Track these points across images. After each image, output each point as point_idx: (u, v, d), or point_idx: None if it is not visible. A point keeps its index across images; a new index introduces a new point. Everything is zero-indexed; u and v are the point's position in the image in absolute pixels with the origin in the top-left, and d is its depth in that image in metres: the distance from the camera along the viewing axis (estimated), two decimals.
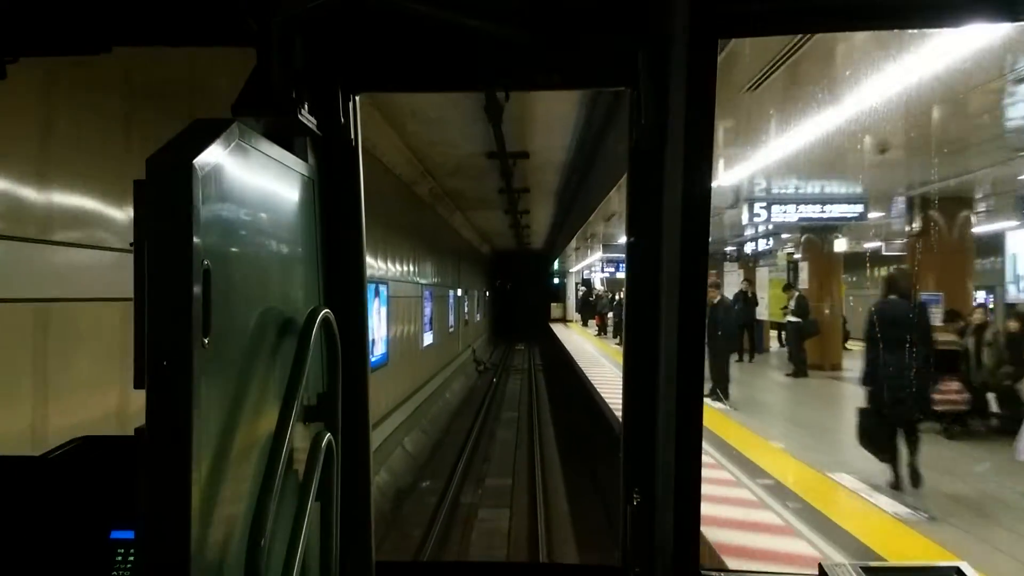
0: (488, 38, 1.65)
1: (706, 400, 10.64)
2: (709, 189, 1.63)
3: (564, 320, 40.88)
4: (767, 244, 16.69)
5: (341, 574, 1.67)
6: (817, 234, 14.72)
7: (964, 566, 1.57)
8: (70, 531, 1.49)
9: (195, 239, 1.00)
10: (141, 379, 1.03)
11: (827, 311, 14.21)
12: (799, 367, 13.26)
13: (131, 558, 1.49)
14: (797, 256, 15.64)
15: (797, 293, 13.78)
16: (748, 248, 18.55)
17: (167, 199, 1.02)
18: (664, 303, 1.73)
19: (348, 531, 1.69)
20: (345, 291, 1.77)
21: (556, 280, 43.74)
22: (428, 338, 15.18)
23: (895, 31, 3.98)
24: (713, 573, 1.85)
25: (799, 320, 13.37)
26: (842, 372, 14.14)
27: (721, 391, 10.50)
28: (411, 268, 13.26)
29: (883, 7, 1.63)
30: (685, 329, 1.66)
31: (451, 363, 19.64)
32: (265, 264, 1.36)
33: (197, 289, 1.01)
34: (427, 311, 15.24)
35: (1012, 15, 1.62)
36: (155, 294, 1.01)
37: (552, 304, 43.46)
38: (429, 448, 12.60)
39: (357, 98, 1.75)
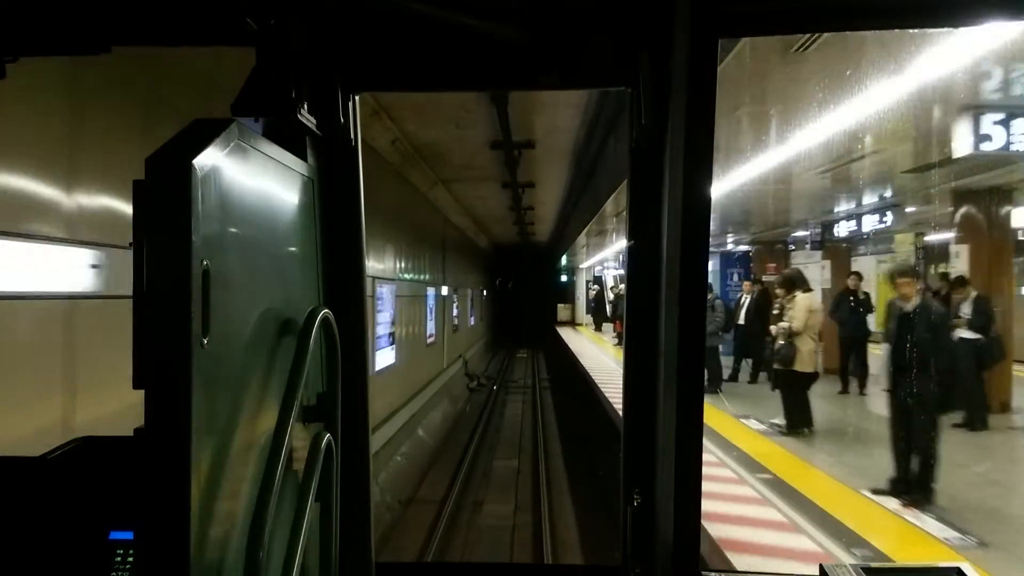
0: (488, 38, 1.82)
1: (900, 510, 5.94)
2: (709, 189, 1.77)
3: (573, 323, 39.69)
4: (881, 221, 13.19)
5: (341, 574, 1.81)
6: (981, 203, 10.70)
7: (965, 566, 1.65)
8: (69, 531, 1.65)
9: (194, 239, 1.10)
10: (141, 379, 1.12)
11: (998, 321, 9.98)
12: (974, 413, 9.28)
13: (130, 558, 1.62)
14: (943, 238, 12.22)
15: (975, 293, 9.90)
16: (838, 228, 14.68)
17: (166, 199, 1.10)
18: (664, 303, 1.87)
19: (348, 531, 1.85)
20: (345, 291, 1.93)
21: (564, 278, 44.90)
22: (387, 357, 11.71)
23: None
24: (713, 573, 1.99)
25: (979, 337, 9.30)
26: (1012, 415, 10.17)
27: (925, 487, 6.07)
28: None
29: (884, 7, 1.74)
30: (685, 329, 1.81)
31: (430, 384, 16.46)
32: (264, 264, 1.54)
33: (196, 289, 1.11)
34: (385, 318, 11.55)
35: (1015, 14, 1.72)
36: (155, 294, 1.10)
37: (559, 305, 42.21)
38: None
39: (357, 98, 1.96)
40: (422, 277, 16.24)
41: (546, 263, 40.29)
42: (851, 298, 11.82)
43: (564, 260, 38.91)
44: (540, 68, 1.89)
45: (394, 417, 12.05)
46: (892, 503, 6.12)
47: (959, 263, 10.81)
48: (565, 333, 30.43)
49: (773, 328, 9.46)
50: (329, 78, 1.84)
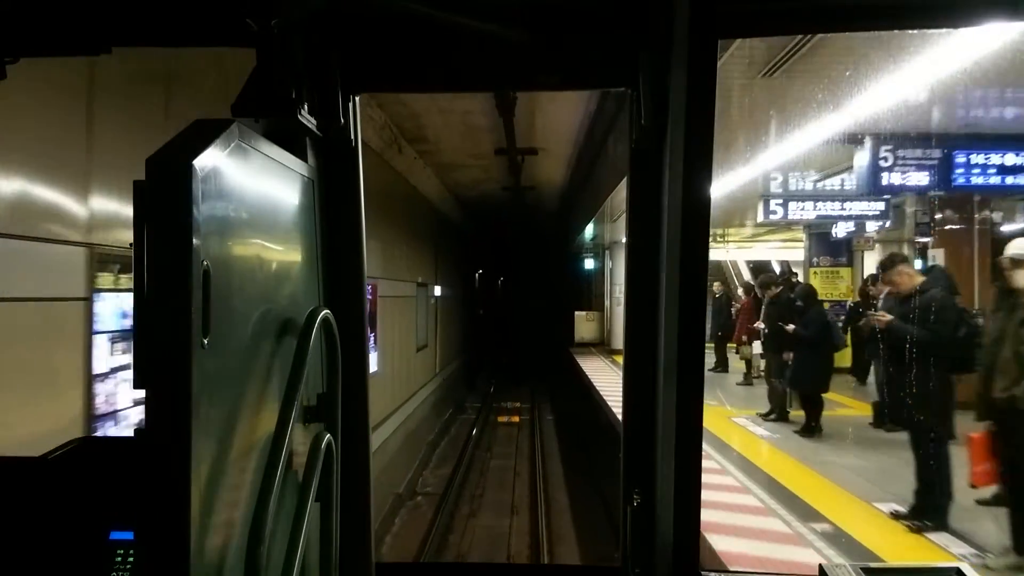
0: (488, 38, 1.82)
1: None
2: (709, 189, 1.77)
3: (605, 346, 21.93)
4: None
5: (341, 574, 1.80)
6: None
7: (964, 566, 1.66)
8: (70, 532, 1.65)
9: (194, 240, 1.12)
10: (141, 379, 1.14)
11: None
12: None
13: (131, 559, 1.62)
14: None
15: None
16: None
17: (167, 200, 1.11)
18: (664, 303, 1.87)
19: (348, 532, 1.85)
20: (345, 291, 1.93)
21: (589, 263, 22.40)
22: None
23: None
24: (713, 574, 1.97)
25: None
26: None
27: None
28: None
29: (883, 7, 1.74)
30: (685, 329, 1.80)
31: None
32: (265, 264, 1.54)
33: (197, 289, 1.13)
34: None
35: (1014, 15, 1.71)
36: (155, 294, 1.12)
37: (578, 314, 24.39)
38: None
39: (357, 98, 1.96)
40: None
41: (554, 237, 25.58)
42: None
43: (590, 232, 21.32)
44: (540, 68, 1.89)
45: None
46: None
47: None
48: (593, 369, 15.57)
49: None
50: (329, 79, 1.83)
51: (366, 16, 1.81)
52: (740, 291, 14.69)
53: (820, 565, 1.67)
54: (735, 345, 13.97)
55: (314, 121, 1.78)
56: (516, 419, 17.05)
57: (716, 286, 16.36)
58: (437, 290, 18.99)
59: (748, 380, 13.66)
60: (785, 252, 23.02)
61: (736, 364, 14.84)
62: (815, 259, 15.84)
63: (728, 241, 20.93)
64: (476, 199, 20.52)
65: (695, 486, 1.80)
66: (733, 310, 14.95)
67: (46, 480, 1.69)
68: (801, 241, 22.78)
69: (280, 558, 1.38)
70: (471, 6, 1.70)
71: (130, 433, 3.02)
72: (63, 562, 1.57)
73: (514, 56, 1.84)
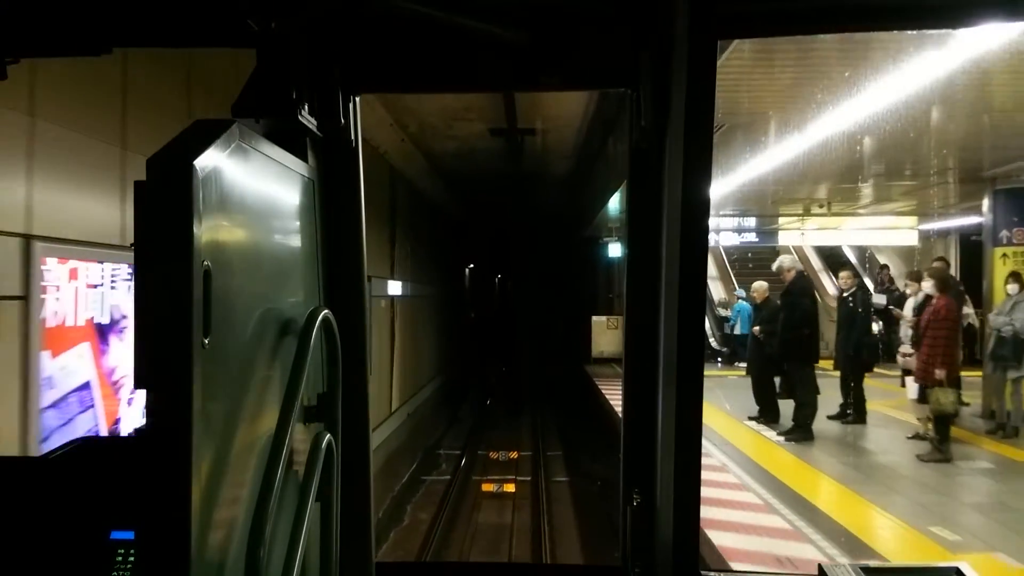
0: (488, 39, 1.83)
1: None
2: (709, 189, 1.78)
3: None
4: None
5: (341, 574, 1.81)
6: None
7: (964, 566, 1.65)
8: (70, 532, 1.66)
9: (195, 240, 1.12)
10: (141, 379, 1.14)
11: None
12: None
13: (131, 559, 1.62)
14: None
15: None
16: None
17: (167, 200, 1.12)
18: (664, 303, 1.88)
19: (348, 532, 1.86)
20: (345, 291, 1.94)
21: (613, 250, 15.87)
22: None
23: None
24: (713, 573, 2.08)
25: None
26: None
27: None
28: None
29: (883, 8, 1.74)
30: (685, 329, 1.81)
31: None
32: (265, 264, 1.55)
33: (197, 290, 1.13)
34: None
35: (1013, 15, 1.69)
36: (155, 294, 1.12)
37: (597, 320, 18.50)
38: None
39: (357, 98, 1.98)
40: None
41: (565, 214, 20.23)
42: None
43: (615, 206, 14.88)
44: (540, 69, 1.89)
45: None
46: None
47: None
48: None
49: None
50: (330, 79, 1.84)
51: (366, 16, 1.84)
52: (926, 285, 8.53)
53: (819, 565, 1.68)
54: (916, 380, 7.99)
55: (314, 121, 1.78)
56: (511, 487, 11.13)
57: (844, 277, 9.79)
58: (394, 288, 13.05)
59: (943, 452, 7.66)
60: (875, 236, 17.36)
61: (881, 407, 8.99)
62: (1004, 233, 9.97)
63: (833, 214, 14.80)
64: (455, 157, 14.62)
65: (695, 486, 1.83)
66: (903, 319, 8.94)
67: (47, 480, 1.71)
68: (910, 218, 16.37)
69: (280, 558, 1.38)
70: (471, 6, 1.71)
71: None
72: (63, 562, 1.59)
73: (514, 56, 1.85)
